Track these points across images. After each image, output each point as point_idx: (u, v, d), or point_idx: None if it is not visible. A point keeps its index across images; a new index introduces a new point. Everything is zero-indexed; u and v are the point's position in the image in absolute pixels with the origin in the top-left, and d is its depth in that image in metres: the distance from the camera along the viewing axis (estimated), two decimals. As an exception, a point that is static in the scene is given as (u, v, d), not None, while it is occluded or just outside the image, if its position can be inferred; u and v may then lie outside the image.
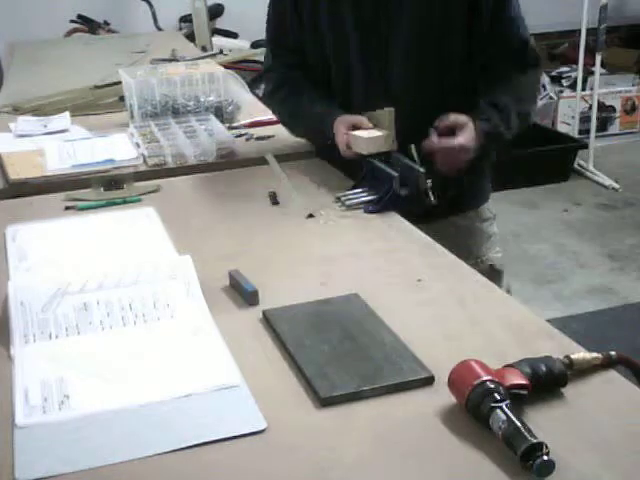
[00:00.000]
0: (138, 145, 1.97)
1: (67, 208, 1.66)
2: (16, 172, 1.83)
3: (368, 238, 1.47)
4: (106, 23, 4.96)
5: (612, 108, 5.35)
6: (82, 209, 1.64)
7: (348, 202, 1.60)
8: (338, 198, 1.62)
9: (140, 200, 1.69)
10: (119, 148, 1.97)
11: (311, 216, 1.56)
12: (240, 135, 2.09)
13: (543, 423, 0.93)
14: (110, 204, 1.67)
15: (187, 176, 1.84)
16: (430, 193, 1.53)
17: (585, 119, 4.96)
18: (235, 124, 2.16)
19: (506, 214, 3.90)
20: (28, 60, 3.33)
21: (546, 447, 0.84)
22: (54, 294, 1.20)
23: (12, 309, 1.18)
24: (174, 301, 1.22)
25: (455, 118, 1.58)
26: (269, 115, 2.14)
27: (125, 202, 1.68)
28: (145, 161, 1.90)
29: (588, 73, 5.03)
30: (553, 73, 5.52)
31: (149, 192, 1.72)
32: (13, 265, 1.39)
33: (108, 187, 1.73)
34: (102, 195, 1.71)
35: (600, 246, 3.87)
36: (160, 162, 1.88)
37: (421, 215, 1.55)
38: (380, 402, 0.99)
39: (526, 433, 0.85)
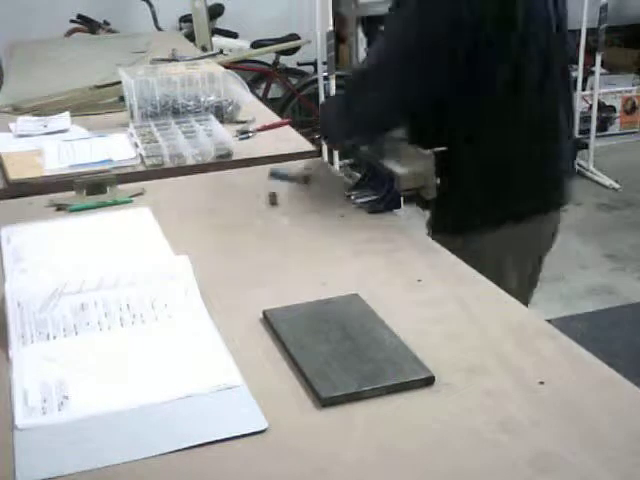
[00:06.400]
0: (137, 145, 1.97)
1: (58, 209, 1.65)
2: (16, 172, 1.83)
3: (368, 238, 1.47)
4: (106, 23, 4.96)
5: (612, 108, 5.35)
6: (73, 211, 1.64)
7: (358, 201, 1.60)
8: (348, 196, 1.62)
9: (131, 201, 1.68)
10: (118, 148, 1.96)
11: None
12: (246, 135, 2.08)
13: (543, 423, 0.93)
14: (100, 205, 1.66)
15: (185, 176, 1.84)
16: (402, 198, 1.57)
17: (585, 119, 4.95)
18: (247, 128, 2.14)
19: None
20: (28, 60, 3.33)
21: None
22: (51, 295, 1.19)
23: (9, 310, 1.18)
24: (172, 301, 1.22)
25: None
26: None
27: (116, 203, 1.67)
28: (143, 161, 1.90)
29: (588, 73, 5.02)
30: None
31: (134, 195, 1.70)
32: (9, 267, 1.38)
33: (91, 191, 1.71)
34: (85, 199, 1.69)
35: (600, 246, 3.86)
36: (158, 162, 1.88)
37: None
38: (380, 402, 0.99)
39: None
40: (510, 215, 1.62)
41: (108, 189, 1.72)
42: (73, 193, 1.71)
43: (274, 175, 1.72)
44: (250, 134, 2.07)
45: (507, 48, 1.52)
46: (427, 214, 1.72)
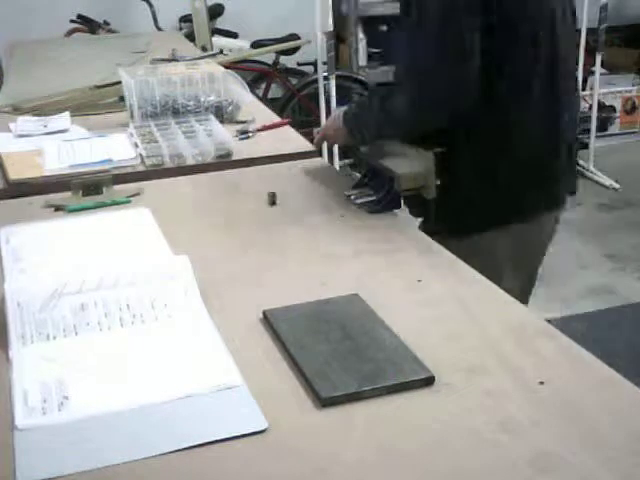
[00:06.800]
0: (137, 145, 1.97)
1: (57, 209, 1.65)
2: (16, 172, 1.83)
3: (368, 238, 1.47)
4: (106, 23, 4.96)
5: (612, 108, 5.35)
6: (71, 211, 1.64)
7: (358, 201, 1.60)
8: (348, 196, 1.62)
9: (130, 202, 1.68)
10: (118, 148, 1.96)
11: None
12: (246, 135, 2.07)
13: (543, 422, 0.93)
14: (99, 206, 1.66)
15: (185, 176, 1.84)
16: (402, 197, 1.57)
17: (585, 119, 4.95)
18: (247, 128, 2.13)
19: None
20: (28, 60, 3.33)
21: None
22: (51, 295, 1.19)
23: (9, 310, 1.18)
24: (172, 301, 1.21)
25: None
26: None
27: (115, 203, 1.67)
28: (143, 161, 1.90)
29: (588, 73, 5.03)
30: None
31: (132, 195, 1.70)
32: (8, 267, 1.38)
33: (87, 191, 1.70)
34: (82, 200, 1.68)
35: (600, 246, 3.86)
36: (158, 162, 1.88)
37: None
38: (380, 402, 0.99)
39: None
40: (512, 214, 1.63)
41: (104, 189, 1.71)
42: (70, 194, 1.71)
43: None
44: (250, 134, 2.07)
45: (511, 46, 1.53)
46: (418, 221, 1.72)
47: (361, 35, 5.10)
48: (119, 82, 2.32)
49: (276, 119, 2.26)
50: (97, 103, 2.43)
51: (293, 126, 2.19)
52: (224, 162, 1.90)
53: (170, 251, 1.41)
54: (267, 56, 4.91)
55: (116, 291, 1.22)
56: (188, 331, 1.17)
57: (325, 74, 4.17)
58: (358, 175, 1.78)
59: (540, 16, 1.57)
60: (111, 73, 2.54)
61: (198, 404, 1.00)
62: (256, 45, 4.87)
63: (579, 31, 4.54)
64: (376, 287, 1.27)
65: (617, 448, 0.88)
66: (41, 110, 2.36)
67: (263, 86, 5.13)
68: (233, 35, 5.23)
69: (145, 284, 1.23)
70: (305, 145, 1.98)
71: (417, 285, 1.28)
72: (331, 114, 1.75)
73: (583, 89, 5.02)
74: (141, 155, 1.91)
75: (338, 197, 1.64)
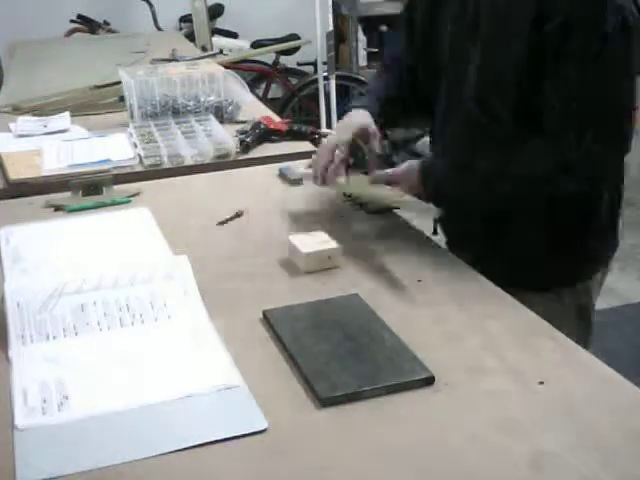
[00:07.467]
0: (135, 145, 1.97)
1: (57, 209, 1.65)
2: (16, 172, 1.83)
3: (368, 238, 1.47)
4: (106, 23, 4.97)
5: (612, 108, 5.35)
6: (71, 211, 1.64)
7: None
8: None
9: (130, 201, 1.68)
10: (117, 148, 1.96)
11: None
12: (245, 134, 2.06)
13: (543, 422, 0.93)
14: (99, 206, 1.65)
15: (184, 176, 1.84)
16: None
17: (585, 119, 4.95)
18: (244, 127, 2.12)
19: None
20: (28, 60, 3.33)
21: None
22: (51, 295, 1.19)
23: (9, 310, 1.18)
24: (171, 301, 1.21)
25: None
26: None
27: (115, 203, 1.67)
28: (141, 161, 1.89)
29: (588, 73, 5.01)
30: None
31: (132, 195, 1.70)
32: (7, 266, 1.38)
33: (87, 191, 1.70)
34: (82, 200, 1.68)
35: (600, 246, 3.86)
36: (156, 162, 1.88)
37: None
38: (380, 402, 0.99)
39: None
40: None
41: (104, 189, 1.71)
42: (70, 194, 1.71)
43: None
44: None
45: None
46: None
47: (361, 35, 5.10)
48: (119, 82, 2.32)
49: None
50: (97, 103, 2.43)
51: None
52: (223, 162, 1.90)
53: (170, 251, 1.41)
54: (267, 56, 4.92)
55: (116, 291, 1.22)
56: (188, 331, 1.16)
57: (325, 74, 4.17)
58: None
59: None
60: (111, 73, 2.54)
61: (198, 404, 1.00)
62: (256, 45, 4.88)
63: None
64: (376, 287, 1.28)
65: (617, 448, 0.89)
66: (41, 110, 2.35)
67: (263, 86, 5.13)
68: (233, 35, 5.24)
69: (145, 284, 1.23)
70: (305, 145, 1.98)
71: (417, 285, 1.28)
72: (401, 165, 1.45)
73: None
74: (139, 155, 1.91)
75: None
